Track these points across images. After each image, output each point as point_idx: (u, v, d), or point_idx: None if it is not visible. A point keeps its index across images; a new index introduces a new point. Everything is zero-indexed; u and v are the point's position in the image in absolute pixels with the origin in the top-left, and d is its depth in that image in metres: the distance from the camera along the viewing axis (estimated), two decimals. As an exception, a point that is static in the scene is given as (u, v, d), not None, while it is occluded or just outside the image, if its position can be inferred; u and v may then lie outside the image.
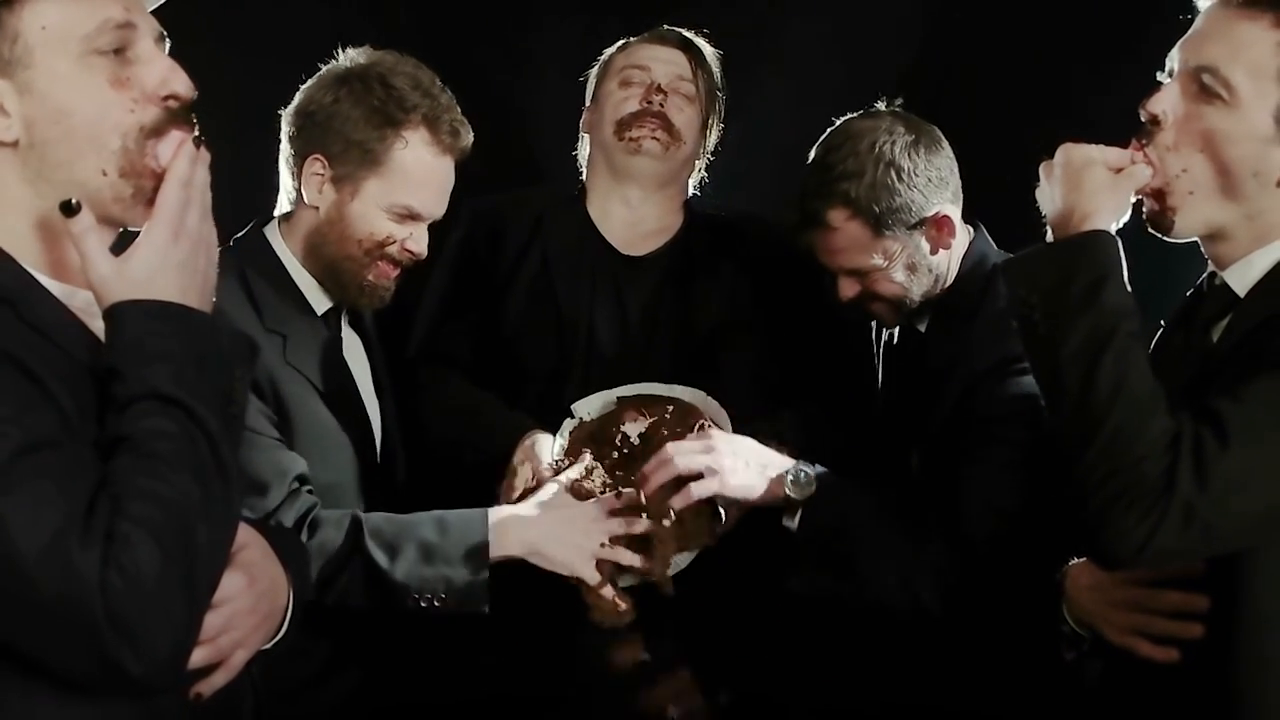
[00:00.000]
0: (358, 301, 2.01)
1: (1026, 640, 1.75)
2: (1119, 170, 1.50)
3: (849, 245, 1.98)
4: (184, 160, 1.25)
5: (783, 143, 2.26)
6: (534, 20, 2.85)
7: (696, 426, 2.03)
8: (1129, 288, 1.45)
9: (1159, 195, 1.50)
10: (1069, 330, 1.41)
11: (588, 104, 2.39)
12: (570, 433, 2.08)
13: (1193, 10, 1.51)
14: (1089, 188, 1.48)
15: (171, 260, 1.22)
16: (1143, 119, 1.50)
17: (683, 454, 1.91)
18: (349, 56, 1.99)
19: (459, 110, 1.97)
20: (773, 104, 2.58)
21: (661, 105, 2.25)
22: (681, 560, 1.96)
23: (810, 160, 2.02)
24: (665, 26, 2.35)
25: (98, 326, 1.25)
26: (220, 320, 1.27)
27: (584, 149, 2.41)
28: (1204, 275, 1.59)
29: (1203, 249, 1.55)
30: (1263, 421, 1.34)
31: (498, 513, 1.92)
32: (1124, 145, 1.52)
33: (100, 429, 1.18)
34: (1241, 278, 1.50)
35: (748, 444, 1.96)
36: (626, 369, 2.22)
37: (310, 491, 1.87)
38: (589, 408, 2.11)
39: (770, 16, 2.79)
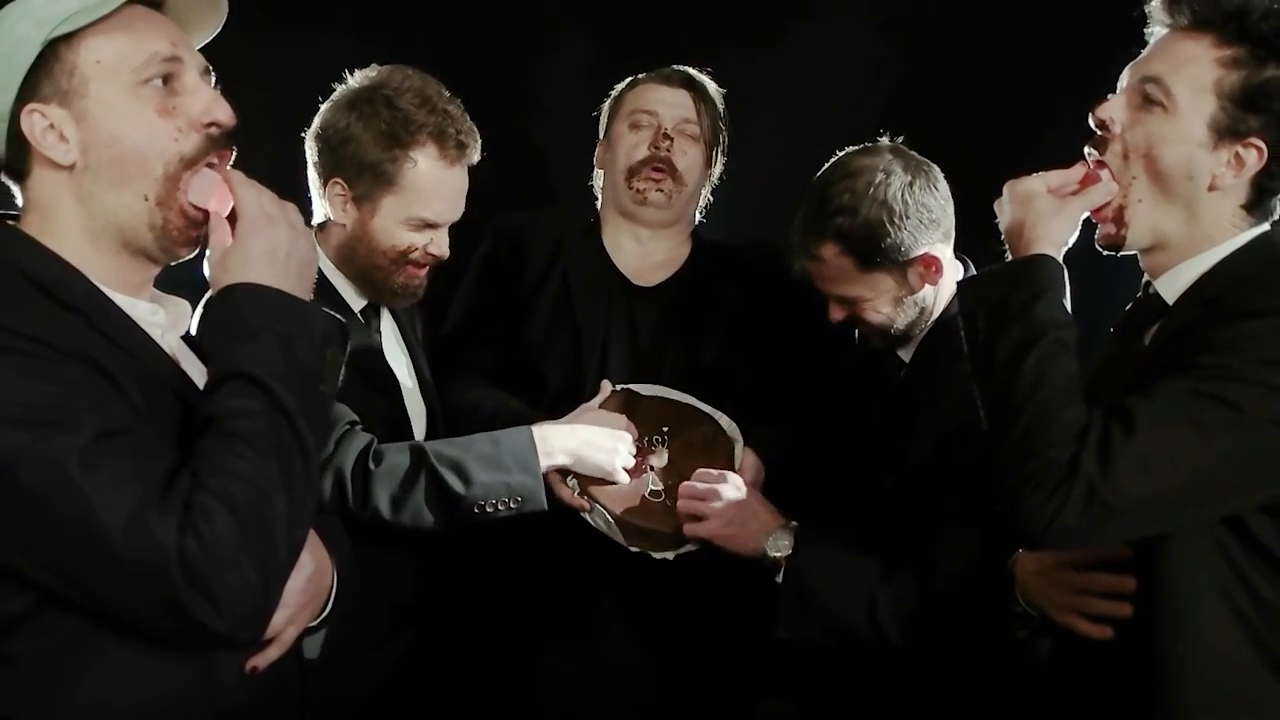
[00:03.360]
0: (392, 301, 2.18)
1: (984, 625, 1.85)
2: (1069, 191, 1.62)
3: (837, 276, 2.07)
4: (228, 168, 1.37)
5: (764, 176, 2.38)
6: (547, 50, 2.97)
7: (713, 434, 2.23)
8: (1068, 307, 1.57)
9: (1118, 217, 1.62)
10: (1003, 336, 1.54)
11: (601, 138, 2.52)
12: (617, 392, 2.26)
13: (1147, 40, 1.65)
14: (1032, 218, 1.62)
15: (257, 248, 1.33)
16: (1092, 125, 1.63)
17: (693, 493, 2.09)
18: (358, 77, 2.10)
19: (466, 119, 2.08)
20: (757, 139, 2.68)
21: (668, 150, 2.38)
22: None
23: (809, 191, 2.08)
24: (673, 67, 2.46)
25: (158, 334, 1.38)
26: (313, 305, 1.36)
27: (599, 180, 2.55)
28: (1142, 285, 1.70)
29: (1140, 259, 1.67)
30: (1166, 415, 1.42)
31: (539, 429, 2.08)
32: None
33: (165, 425, 1.28)
34: (1170, 287, 1.61)
35: (749, 502, 2.08)
36: None
37: (364, 430, 2.00)
38: (640, 389, 2.28)
39: (761, 55, 2.88)
